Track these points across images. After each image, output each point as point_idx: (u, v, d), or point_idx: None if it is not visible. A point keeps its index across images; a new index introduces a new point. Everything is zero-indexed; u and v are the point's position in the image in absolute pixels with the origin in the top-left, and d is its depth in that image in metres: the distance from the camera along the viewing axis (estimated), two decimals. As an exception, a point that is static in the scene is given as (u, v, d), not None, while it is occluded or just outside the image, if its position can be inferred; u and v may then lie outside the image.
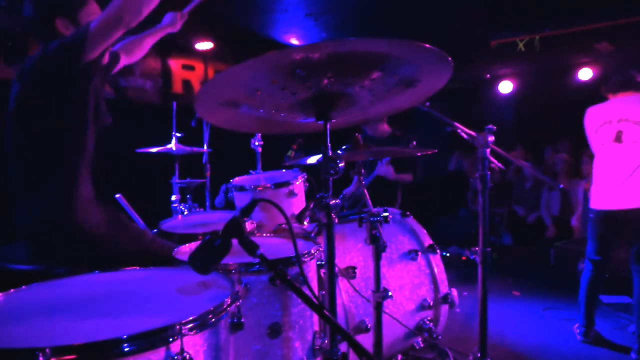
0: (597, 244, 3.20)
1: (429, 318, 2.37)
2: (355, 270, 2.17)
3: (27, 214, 1.83)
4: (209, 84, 1.20)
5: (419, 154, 2.26)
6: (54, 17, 1.84)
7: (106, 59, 1.98)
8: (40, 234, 1.82)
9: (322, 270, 1.74)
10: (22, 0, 1.86)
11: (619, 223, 3.09)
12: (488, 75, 7.79)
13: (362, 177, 2.25)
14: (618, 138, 3.09)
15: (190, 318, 0.96)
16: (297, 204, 2.46)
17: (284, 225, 2.29)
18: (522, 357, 3.08)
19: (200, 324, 0.99)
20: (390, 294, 1.95)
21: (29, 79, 1.77)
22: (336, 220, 1.34)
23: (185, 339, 0.94)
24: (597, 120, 3.21)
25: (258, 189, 2.39)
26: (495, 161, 2.06)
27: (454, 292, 2.43)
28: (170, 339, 0.92)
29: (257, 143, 3.12)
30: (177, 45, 5.58)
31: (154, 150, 3.22)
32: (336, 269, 1.38)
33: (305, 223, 2.17)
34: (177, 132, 3.35)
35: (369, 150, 2.18)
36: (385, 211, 1.89)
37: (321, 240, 1.71)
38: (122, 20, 1.65)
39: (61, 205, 1.80)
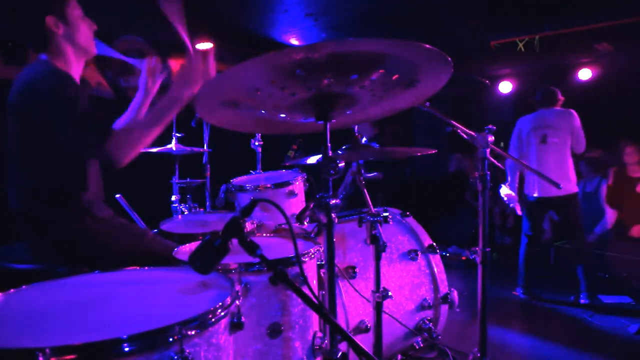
0: (530, 222, 4.17)
1: (428, 318, 2.37)
2: (355, 270, 2.17)
3: (28, 213, 1.83)
4: (209, 84, 1.20)
5: (418, 154, 2.25)
6: (44, 16, 1.83)
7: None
8: (41, 233, 1.82)
9: (322, 270, 1.74)
10: (13, 5, 1.86)
11: (545, 206, 4.14)
12: (487, 82, 7.80)
13: (361, 177, 2.24)
14: (544, 140, 4.06)
15: (190, 318, 0.97)
16: (297, 204, 2.46)
17: (284, 225, 2.29)
18: (522, 357, 3.08)
19: (200, 324, 0.99)
20: (390, 294, 1.95)
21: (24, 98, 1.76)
22: (336, 220, 1.34)
23: (185, 339, 0.94)
24: (528, 126, 4.18)
25: (258, 189, 2.39)
26: (495, 161, 2.06)
27: (454, 292, 2.43)
28: (170, 339, 0.92)
29: (257, 143, 3.12)
30: (177, 45, 5.57)
31: (154, 150, 3.22)
32: (336, 269, 1.38)
33: (305, 223, 2.16)
34: (177, 132, 3.35)
35: (369, 150, 2.19)
36: (385, 211, 1.89)
37: (321, 240, 1.71)
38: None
39: (62, 204, 1.80)
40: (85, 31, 1.94)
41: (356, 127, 4.54)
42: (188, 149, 3.32)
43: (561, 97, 4.22)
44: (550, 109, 4.16)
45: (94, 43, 1.99)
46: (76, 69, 1.94)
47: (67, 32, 1.88)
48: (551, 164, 4.00)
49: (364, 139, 4.67)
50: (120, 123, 1.93)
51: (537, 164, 4.00)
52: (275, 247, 1.77)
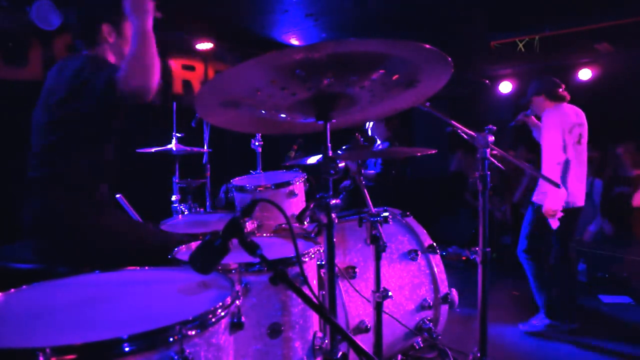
0: (562, 236, 3.46)
1: (428, 318, 2.37)
2: (355, 270, 2.17)
3: (31, 212, 1.83)
4: (209, 84, 1.20)
5: (418, 154, 2.25)
6: (101, 21, 1.91)
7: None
8: (43, 231, 1.82)
9: (322, 270, 1.74)
10: (23, 1, 1.88)
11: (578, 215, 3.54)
12: (487, 81, 7.80)
13: (361, 178, 2.25)
14: (579, 140, 3.42)
15: (190, 318, 0.97)
16: (297, 204, 2.46)
17: (284, 225, 2.29)
18: (522, 357, 3.08)
19: (200, 324, 0.99)
20: (390, 294, 1.95)
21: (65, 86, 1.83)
22: (336, 221, 1.34)
23: (185, 339, 0.94)
24: (564, 124, 3.36)
25: (258, 189, 2.39)
26: (495, 161, 2.06)
27: (454, 292, 2.43)
28: (171, 339, 0.92)
29: (257, 143, 3.12)
30: (177, 45, 5.58)
31: (154, 150, 3.22)
32: (336, 269, 1.38)
33: (305, 223, 2.17)
34: (177, 132, 3.35)
35: (369, 150, 2.19)
36: (385, 211, 1.89)
37: (321, 240, 1.71)
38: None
39: (64, 203, 1.80)
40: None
41: (370, 129, 4.58)
42: (188, 149, 3.32)
43: None
44: (569, 104, 3.55)
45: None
46: None
47: (117, 43, 1.96)
48: (585, 167, 3.48)
49: (378, 141, 4.70)
50: None
51: (577, 168, 3.40)
52: (276, 247, 1.77)
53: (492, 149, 1.91)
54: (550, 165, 3.29)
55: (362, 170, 2.17)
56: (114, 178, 2.03)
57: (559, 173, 3.25)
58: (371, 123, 4.51)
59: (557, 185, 2.17)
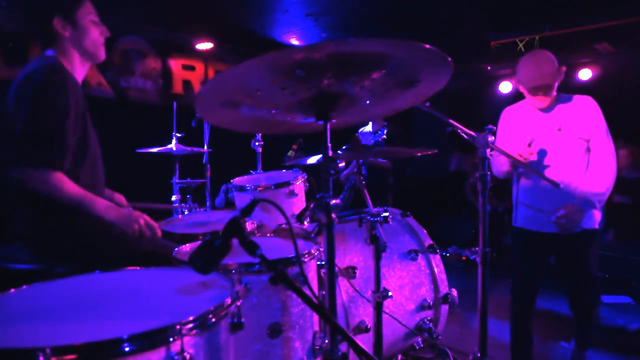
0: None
1: (429, 318, 2.37)
2: (355, 270, 2.17)
3: (28, 214, 1.83)
4: (209, 84, 1.20)
5: (418, 154, 2.25)
6: (51, 17, 1.83)
7: None
8: (41, 232, 1.82)
9: (322, 270, 1.74)
10: (22, 1, 1.87)
11: None
12: (487, 77, 7.81)
13: (362, 178, 2.25)
14: None
15: (191, 318, 0.96)
16: (297, 204, 2.46)
17: (284, 225, 2.29)
18: (522, 357, 3.07)
19: (201, 324, 0.99)
20: (390, 294, 1.95)
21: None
22: (336, 221, 1.34)
23: (185, 339, 0.94)
24: None
25: (258, 189, 2.39)
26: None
27: (454, 292, 2.43)
28: (171, 339, 0.92)
29: (257, 143, 3.12)
30: (177, 45, 5.58)
31: (154, 150, 3.22)
32: (336, 269, 1.38)
33: (305, 223, 2.17)
34: (177, 132, 3.35)
35: (369, 150, 2.19)
36: (386, 211, 1.89)
37: (321, 240, 1.71)
38: None
39: (61, 204, 1.80)
40: (94, 37, 1.93)
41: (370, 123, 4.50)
42: (188, 149, 3.32)
43: None
44: None
45: (103, 49, 1.97)
46: (80, 71, 1.94)
47: (75, 35, 1.88)
48: None
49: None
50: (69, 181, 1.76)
51: None
52: (276, 247, 1.77)
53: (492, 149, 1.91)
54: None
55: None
56: (102, 189, 1.99)
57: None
58: (367, 127, 4.46)
59: (557, 186, 2.16)
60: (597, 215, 2.61)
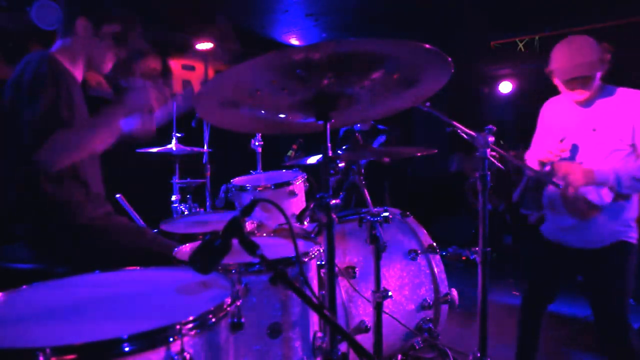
0: None
1: (428, 318, 2.37)
2: (355, 270, 2.17)
3: (28, 214, 1.83)
4: (209, 84, 1.20)
5: (418, 154, 2.25)
6: (78, 14, 1.85)
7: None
8: (41, 232, 1.82)
9: (322, 270, 1.74)
10: (23, 1, 1.87)
11: None
12: (487, 77, 7.83)
13: (362, 178, 2.25)
14: None
15: (190, 318, 0.96)
16: (297, 204, 2.46)
17: (284, 225, 2.29)
18: (522, 357, 3.07)
19: (201, 324, 0.99)
20: (390, 294, 1.95)
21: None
22: (336, 220, 1.34)
23: (185, 339, 0.94)
24: None
25: (258, 189, 2.39)
26: (495, 161, 2.05)
27: (454, 292, 2.43)
28: (171, 339, 0.92)
29: (257, 143, 3.12)
30: (177, 45, 5.58)
31: (154, 150, 3.22)
32: (336, 269, 1.38)
33: (305, 223, 2.17)
34: (177, 132, 3.35)
35: (369, 150, 2.18)
36: (386, 211, 1.89)
37: (321, 240, 1.71)
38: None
39: (61, 203, 1.80)
40: (105, 55, 1.95)
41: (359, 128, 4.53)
42: (188, 149, 3.32)
43: None
44: None
45: (109, 65, 1.99)
46: (79, 71, 1.95)
47: (89, 42, 1.90)
48: None
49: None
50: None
51: None
52: (276, 247, 1.77)
53: (492, 149, 1.91)
54: None
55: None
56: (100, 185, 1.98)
57: None
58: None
59: (557, 186, 2.15)
60: (633, 227, 2.17)
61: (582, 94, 2.19)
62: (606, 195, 2.13)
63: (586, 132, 2.22)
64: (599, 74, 2.16)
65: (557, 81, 2.25)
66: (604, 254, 2.17)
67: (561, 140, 2.20)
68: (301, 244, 1.77)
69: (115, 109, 1.79)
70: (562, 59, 2.18)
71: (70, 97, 1.76)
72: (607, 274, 2.17)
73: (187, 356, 0.94)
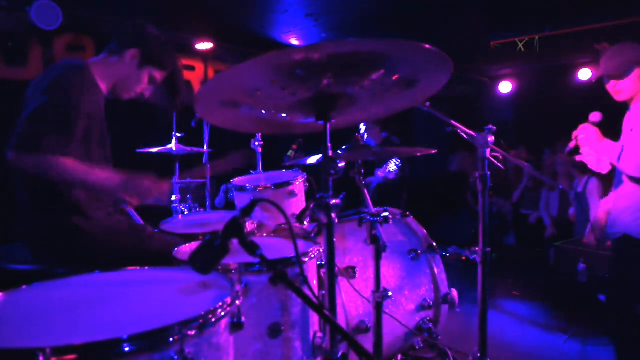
0: None
1: (429, 318, 2.37)
2: (355, 270, 2.17)
3: (27, 212, 1.83)
4: (209, 84, 1.20)
5: (418, 154, 2.25)
6: (135, 46, 1.90)
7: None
8: (40, 231, 1.82)
9: (322, 270, 1.74)
10: (23, 1, 1.88)
11: None
12: (487, 79, 7.83)
13: (361, 178, 2.25)
14: None
15: (191, 318, 0.97)
16: (297, 204, 2.46)
17: (284, 225, 2.29)
18: (522, 357, 3.08)
19: (201, 324, 0.99)
20: (390, 294, 1.95)
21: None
22: (336, 220, 1.34)
23: (185, 339, 0.94)
24: None
25: (258, 189, 2.39)
26: (495, 161, 2.04)
27: (454, 292, 2.43)
28: (171, 339, 0.92)
29: (257, 143, 3.12)
30: (177, 45, 5.58)
31: (154, 150, 3.22)
32: (336, 269, 1.38)
33: (305, 223, 2.17)
34: (177, 132, 3.35)
35: (369, 150, 2.19)
36: (386, 211, 1.89)
37: (321, 240, 1.72)
38: None
39: (61, 202, 1.80)
40: (135, 88, 1.99)
41: (365, 135, 4.58)
42: (188, 149, 3.32)
43: None
44: None
45: (129, 96, 2.03)
46: (104, 87, 1.98)
47: (128, 74, 1.94)
48: None
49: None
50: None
51: None
52: (275, 247, 1.77)
53: (492, 149, 1.91)
54: None
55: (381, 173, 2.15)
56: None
57: None
58: (363, 127, 4.51)
59: (556, 187, 2.16)
60: None
61: (616, 93, 2.35)
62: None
63: (626, 132, 2.31)
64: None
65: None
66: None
67: (593, 123, 2.30)
68: (301, 244, 1.77)
69: (116, 184, 1.77)
70: (602, 57, 2.39)
71: (78, 109, 1.75)
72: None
73: (187, 356, 0.94)
